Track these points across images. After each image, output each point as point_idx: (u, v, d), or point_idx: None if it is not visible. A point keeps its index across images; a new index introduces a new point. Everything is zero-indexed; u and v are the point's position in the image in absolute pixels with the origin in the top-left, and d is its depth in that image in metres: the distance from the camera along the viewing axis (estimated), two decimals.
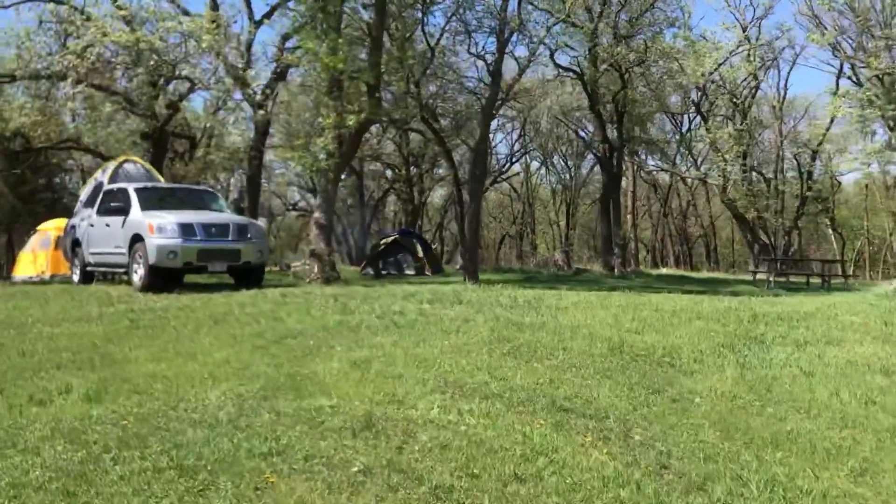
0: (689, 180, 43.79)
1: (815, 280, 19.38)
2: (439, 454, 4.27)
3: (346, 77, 13.59)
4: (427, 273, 22.14)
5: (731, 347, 7.85)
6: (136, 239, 11.71)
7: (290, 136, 23.11)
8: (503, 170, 43.65)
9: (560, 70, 21.50)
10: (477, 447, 4.41)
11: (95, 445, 4.20)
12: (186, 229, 11.43)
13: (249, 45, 19.24)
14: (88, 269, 13.66)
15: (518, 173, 48.76)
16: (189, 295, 11.15)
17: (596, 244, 53.09)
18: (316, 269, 14.78)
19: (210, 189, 15.54)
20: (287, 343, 7.59)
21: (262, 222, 14.18)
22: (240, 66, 17.85)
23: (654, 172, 41.96)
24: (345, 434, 4.51)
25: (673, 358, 7.33)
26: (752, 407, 5.98)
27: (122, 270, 12.31)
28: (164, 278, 11.62)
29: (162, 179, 14.74)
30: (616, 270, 22.68)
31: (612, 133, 24.18)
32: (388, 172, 37.99)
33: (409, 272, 22.19)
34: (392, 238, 23.02)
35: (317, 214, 15.21)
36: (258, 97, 18.86)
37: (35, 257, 21.34)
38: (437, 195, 44.91)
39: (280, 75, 19.68)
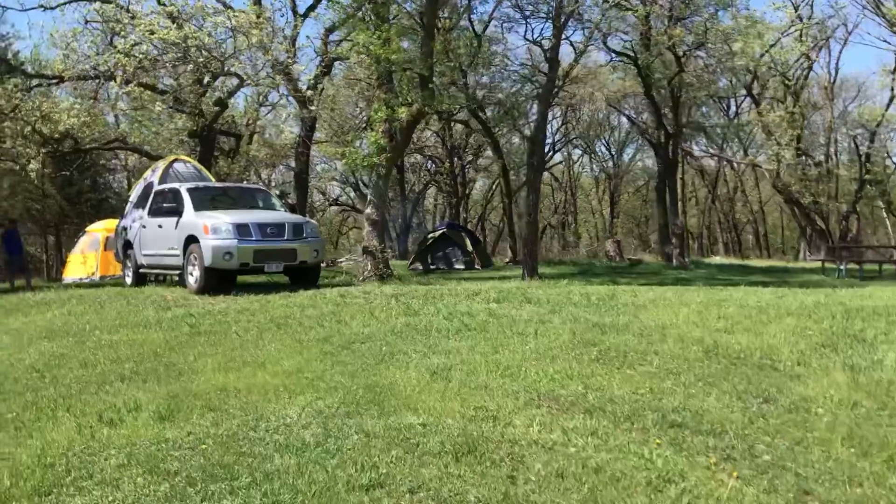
0: (736, 165, 42.65)
1: (888, 267, 18.46)
2: (557, 484, 3.80)
3: (399, 68, 13.13)
4: (477, 267, 21.68)
5: (832, 347, 7.23)
6: (191, 240, 11.43)
7: (335, 132, 22.75)
8: (545, 159, 42.98)
9: (613, 55, 20.79)
10: (596, 475, 3.94)
11: (178, 477, 3.81)
12: (242, 229, 11.11)
13: (294, 40, 18.90)
14: (141, 271, 13.45)
15: (560, 162, 48.06)
16: (246, 297, 10.85)
17: (640, 232, 52.17)
18: (369, 267, 14.42)
19: (262, 188, 15.23)
20: (356, 349, 7.20)
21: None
22: (286, 61, 17.49)
23: (701, 158, 40.79)
24: (446, 459, 4.07)
25: (773, 360, 6.75)
26: (878, 417, 5.39)
27: (176, 272, 12.05)
28: (219, 280, 11.34)
29: (213, 178, 14.47)
30: (674, 261, 21.95)
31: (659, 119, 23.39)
32: (430, 165, 37.54)
33: (459, 267, 21.74)
34: (440, 232, 22.56)
35: (368, 210, 14.82)
36: (308, 92, 18.53)
37: (84, 259, 21.40)
38: (476, 186, 44.31)
39: (326, 69, 19.30)
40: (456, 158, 32.63)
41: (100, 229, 21.89)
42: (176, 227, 11.88)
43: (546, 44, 17.44)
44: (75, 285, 18.73)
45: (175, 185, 12.90)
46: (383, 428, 4.60)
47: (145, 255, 13.16)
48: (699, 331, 7.59)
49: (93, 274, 20.87)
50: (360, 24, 12.76)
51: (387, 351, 6.99)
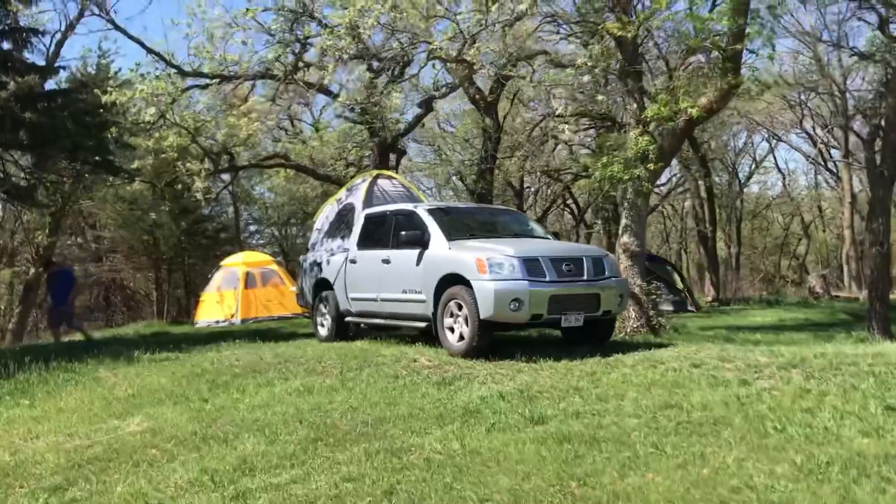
0: None
1: None
2: None
3: (713, 44, 9.91)
4: (691, 308, 18.23)
5: None
6: (449, 281, 8.45)
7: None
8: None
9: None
10: None
11: None
12: (531, 266, 8.04)
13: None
14: (348, 319, 10.57)
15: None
16: (540, 364, 7.74)
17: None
18: (633, 315, 11.24)
19: (515, 210, 12.22)
20: None
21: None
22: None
23: None
24: None
25: None
26: None
27: (420, 325, 9.05)
28: (491, 337, 8.32)
29: (424, 199, 11.56)
30: None
31: None
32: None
33: (666, 308, 18.25)
34: None
35: (625, 239, 11.66)
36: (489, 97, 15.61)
37: (221, 297, 18.94)
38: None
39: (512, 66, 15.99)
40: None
41: (238, 263, 19.43)
42: (419, 263, 8.93)
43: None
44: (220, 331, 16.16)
45: (404, 206, 10.00)
46: None
47: (356, 300, 10.28)
48: None
49: (232, 316, 18.34)
50: None
51: None
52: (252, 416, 6.49)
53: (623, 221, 11.86)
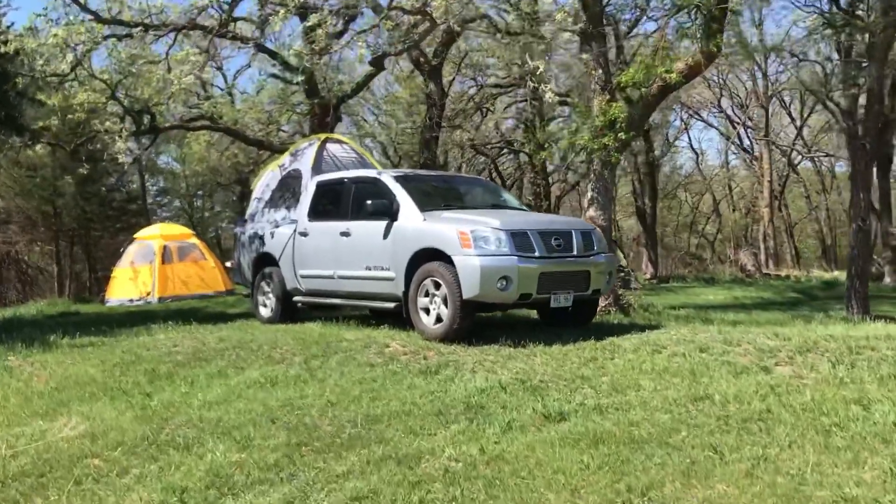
0: None
1: None
2: None
3: (702, 4, 9.29)
4: (634, 286, 17.92)
5: None
6: (425, 256, 7.62)
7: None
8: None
9: None
10: None
11: None
12: (519, 240, 7.28)
13: None
14: (297, 299, 9.59)
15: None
16: (533, 350, 7.01)
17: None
18: None
19: (486, 179, 11.39)
20: None
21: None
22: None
23: None
24: None
25: None
26: None
27: (389, 305, 8.16)
28: (473, 319, 7.53)
29: (378, 166, 10.61)
30: (888, 279, 18.22)
31: None
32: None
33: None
34: None
35: (591, 212, 11.05)
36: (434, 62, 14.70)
37: (136, 274, 17.47)
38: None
39: (448, 38, 14.94)
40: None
41: (154, 236, 17.95)
42: (386, 236, 8.05)
43: None
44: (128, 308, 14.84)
45: (365, 173, 9.07)
46: None
47: (307, 277, 9.31)
48: None
49: (148, 294, 16.93)
50: None
51: None
52: (211, 414, 5.52)
53: (589, 194, 11.26)
